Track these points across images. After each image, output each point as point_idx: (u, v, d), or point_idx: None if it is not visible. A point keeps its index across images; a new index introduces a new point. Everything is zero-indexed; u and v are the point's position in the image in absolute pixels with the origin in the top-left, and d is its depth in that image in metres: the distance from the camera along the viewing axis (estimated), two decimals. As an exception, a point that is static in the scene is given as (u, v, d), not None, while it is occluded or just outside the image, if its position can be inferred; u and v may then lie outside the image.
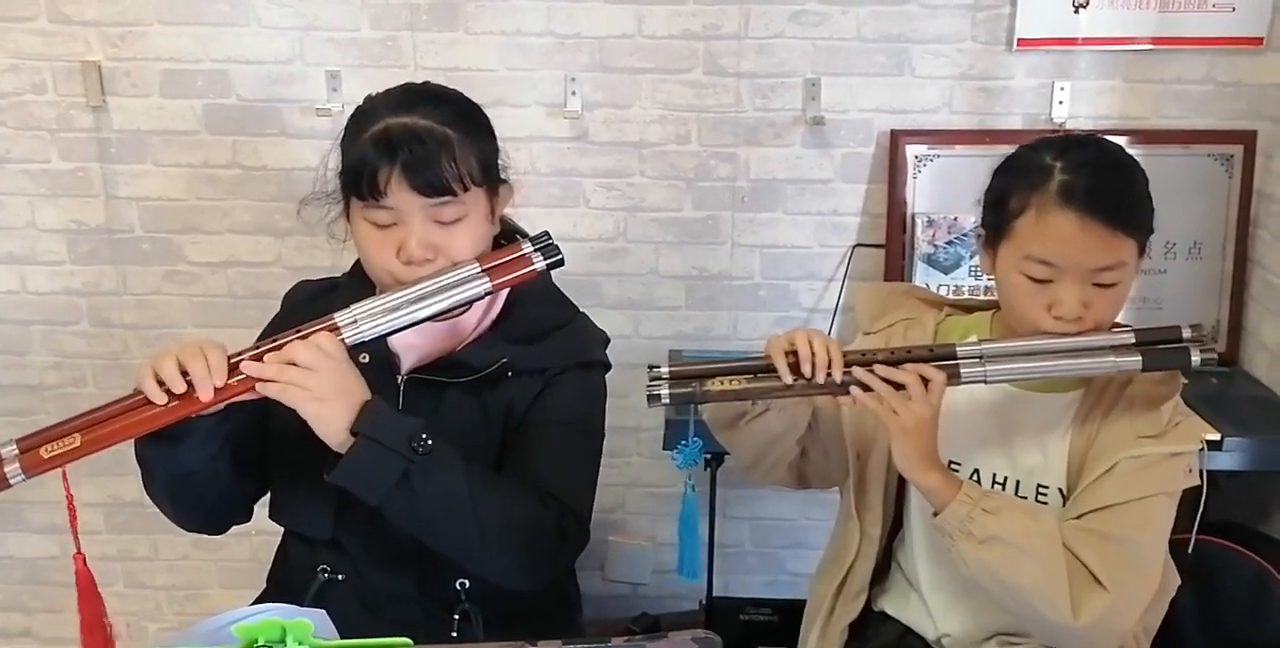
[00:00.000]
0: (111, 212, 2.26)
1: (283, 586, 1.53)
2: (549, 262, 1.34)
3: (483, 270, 1.32)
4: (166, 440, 1.29)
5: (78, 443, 1.23)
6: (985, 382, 1.35)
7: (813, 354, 1.32)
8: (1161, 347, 1.35)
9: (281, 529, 1.55)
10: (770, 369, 1.34)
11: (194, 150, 2.23)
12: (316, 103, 2.17)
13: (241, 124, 2.21)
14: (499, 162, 1.43)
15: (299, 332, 1.29)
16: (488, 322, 1.44)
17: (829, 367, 1.32)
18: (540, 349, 1.43)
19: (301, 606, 1.09)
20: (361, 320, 1.30)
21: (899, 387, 1.32)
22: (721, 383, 1.34)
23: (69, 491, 1.27)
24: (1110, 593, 1.32)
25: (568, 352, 1.45)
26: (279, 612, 0.96)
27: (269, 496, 1.51)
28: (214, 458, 1.34)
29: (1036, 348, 1.35)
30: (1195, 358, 1.34)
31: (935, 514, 1.36)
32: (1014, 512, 1.35)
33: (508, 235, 1.51)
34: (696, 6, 2.14)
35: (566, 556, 1.42)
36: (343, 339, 1.29)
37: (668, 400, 1.34)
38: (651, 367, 1.36)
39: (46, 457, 1.23)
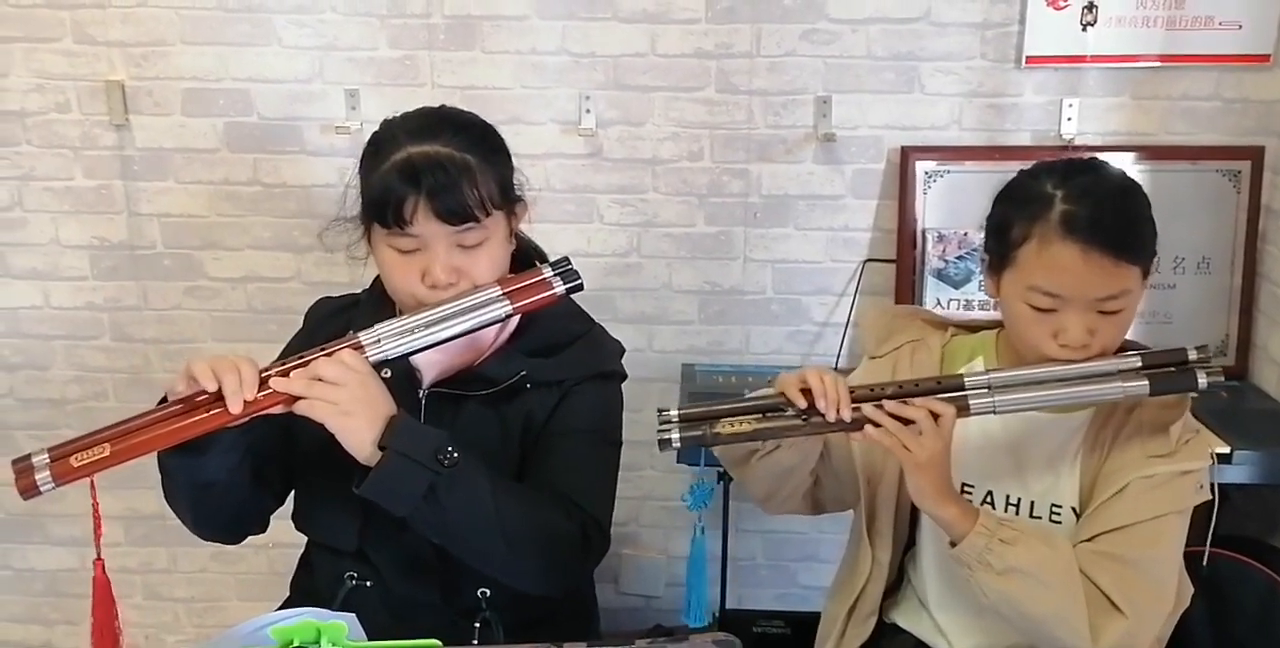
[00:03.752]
0: (133, 228, 2.29)
1: (309, 593, 1.55)
2: (568, 286, 1.37)
3: (504, 294, 1.35)
4: (190, 451, 1.31)
5: (107, 453, 1.25)
6: (995, 412, 1.35)
7: (825, 390, 1.31)
8: (1168, 370, 1.35)
9: (299, 542, 1.58)
10: (779, 408, 1.34)
11: (215, 168, 2.26)
12: (336, 121, 2.20)
13: (262, 142, 2.24)
14: (514, 180, 1.46)
15: (324, 350, 1.31)
16: (506, 336, 1.47)
17: (839, 404, 1.31)
18: (558, 361, 1.45)
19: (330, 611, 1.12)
20: (385, 340, 1.33)
21: (909, 422, 1.32)
22: (732, 425, 1.33)
23: (96, 500, 1.29)
24: (1128, 618, 1.32)
25: (585, 363, 1.47)
26: (313, 615, 0.98)
27: (294, 507, 1.53)
28: (234, 469, 1.36)
29: (1044, 376, 1.35)
30: (1202, 380, 1.34)
31: (953, 545, 1.36)
32: (1030, 541, 1.34)
33: (522, 250, 1.53)
34: (709, 26, 2.17)
35: (590, 562, 1.44)
36: (366, 357, 1.32)
37: (679, 445, 1.34)
38: (661, 410, 1.36)
39: (76, 465, 1.25)
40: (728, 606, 2.32)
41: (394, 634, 1.09)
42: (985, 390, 1.35)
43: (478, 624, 1.45)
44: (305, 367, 1.29)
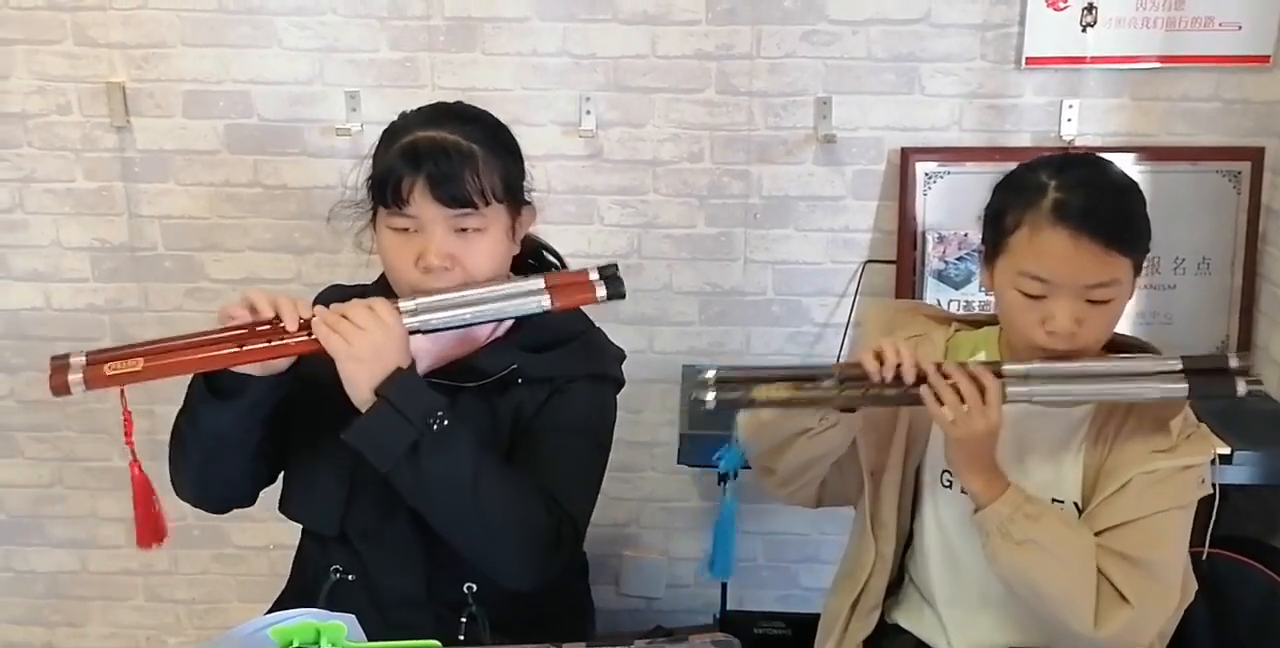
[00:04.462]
0: (134, 230, 2.30)
1: (297, 586, 1.57)
2: (610, 293, 1.37)
3: (546, 288, 1.36)
4: (226, 393, 1.34)
5: (140, 367, 1.29)
6: (1031, 401, 1.35)
7: (900, 356, 1.33)
8: (1208, 375, 1.35)
9: (298, 543, 1.58)
10: (815, 378, 1.34)
11: (216, 169, 2.26)
12: (336, 123, 2.20)
13: (262, 144, 2.24)
14: (524, 184, 1.47)
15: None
16: (502, 330, 1.48)
17: (911, 365, 1.33)
18: (551, 358, 1.46)
19: (314, 607, 1.12)
20: (422, 311, 1.35)
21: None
22: (768, 390, 1.34)
23: (126, 406, 1.35)
24: (1134, 608, 1.34)
25: (579, 362, 1.48)
26: (312, 616, 0.99)
27: (281, 492, 1.53)
28: (262, 422, 1.39)
29: (1085, 371, 1.36)
30: (1241, 388, 1.34)
31: (975, 511, 1.37)
32: (1055, 520, 1.37)
33: (534, 254, 1.54)
34: (709, 27, 2.17)
35: (558, 560, 1.42)
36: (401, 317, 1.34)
37: (713, 405, 1.35)
38: (699, 371, 1.37)
39: (108, 374, 1.29)
40: (728, 607, 2.32)
41: (379, 631, 1.09)
42: (1022, 378, 1.35)
43: (464, 620, 1.45)
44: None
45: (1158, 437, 1.39)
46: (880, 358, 1.34)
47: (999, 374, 1.36)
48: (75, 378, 1.29)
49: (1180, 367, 1.36)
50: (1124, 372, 1.36)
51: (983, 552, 1.38)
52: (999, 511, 1.35)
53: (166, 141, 2.25)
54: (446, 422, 1.31)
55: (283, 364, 1.35)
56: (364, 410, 1.31)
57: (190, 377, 1.37)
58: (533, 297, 1.36)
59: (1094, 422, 1.44)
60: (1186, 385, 1.34)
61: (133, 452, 1.37)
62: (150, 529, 1.40)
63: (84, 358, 1.31)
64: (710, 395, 1.35)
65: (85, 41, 2.20)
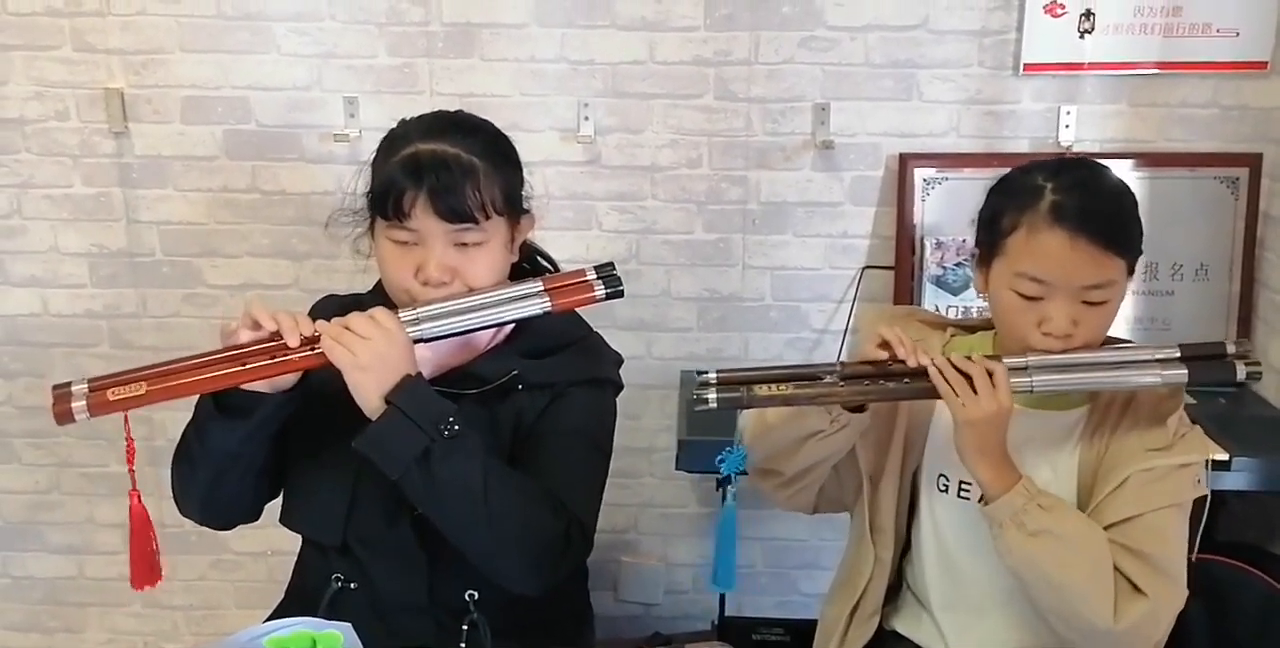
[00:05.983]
0: (132, 235, 2.30)
1: (298, 595, 1.56)
2: (609, 291, 1.38)
3: (545, 290, 1.37)
4: (235, 411, 1.34)
5: (143, 391, 1.29)
6: (1032, 391, 1.36)
7: (902, 340, 1.35)
8: (1207, 361, 1.37)
9: (297, 549, 1.58)
10: (817, 376, 1.35)
11: (214, 175, 2.26)
12: (334, 129, 2.20)
13: (261, 149, 2.25)
14: (523, 193, 1.47)
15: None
16: (502, 336, 1.48)
17: (916, 353, 1.34)
18: (551, 364, 1.46)
19: (315, 615, 1.11)
20: (423, 320, 1.35)
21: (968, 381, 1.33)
22: (769, 389, 1.35)
23: (129, 434, 1.34)
24: (1150, 600, 1.34)
25: (578, 367, 1.48)
26: (308, 625, 0.98)
27: (282, 503, 1.53)
28: (270, 438, 1.39)
29: (1082, 360, 1.37)
30: (1240, 372, 1.35)
31: (984, 503, 1.37)
32: (1069, 512, 1.37)
33: (530, 259, 1.54)
34: (707, 33, 2.18)
35: (568, 563, 1.43)
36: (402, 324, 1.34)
37: (715, 405, 1.35)
38: (700, 373, 1.38)
39: (112, 399, 1.29)
40: (727, 613, 2.32)
41: (381, 639, 1.09)
42: (1023, 369, 1.35)
43: (465, 627, 1.44)
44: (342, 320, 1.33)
45: (1153, 435, 1.40)
46: (885, 344, 1.35)
47: None
48: (79, 405, 1.29)
49: (1178, 354, 1.37)
50: (1123, 360, 1.37)
51: (994, 545, 1.38)
52: (1012, 501, 1.34)
53: (164, 147, 2.25)
54: (457, 427, 1.31)
55: (290, 380, 1.35)
56: (374, 419, 1.30)
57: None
58: (532, 299, 1.37)
59: (1088, 423, 1.44)
60: (1186, 370, 1.35)
61: (133, 480, 1.35)
62: (145, 569, 1.39)
63: (86, 385, 1.30)
64: (712, 395, 1.35)
65: (84, 47, 2.20)
